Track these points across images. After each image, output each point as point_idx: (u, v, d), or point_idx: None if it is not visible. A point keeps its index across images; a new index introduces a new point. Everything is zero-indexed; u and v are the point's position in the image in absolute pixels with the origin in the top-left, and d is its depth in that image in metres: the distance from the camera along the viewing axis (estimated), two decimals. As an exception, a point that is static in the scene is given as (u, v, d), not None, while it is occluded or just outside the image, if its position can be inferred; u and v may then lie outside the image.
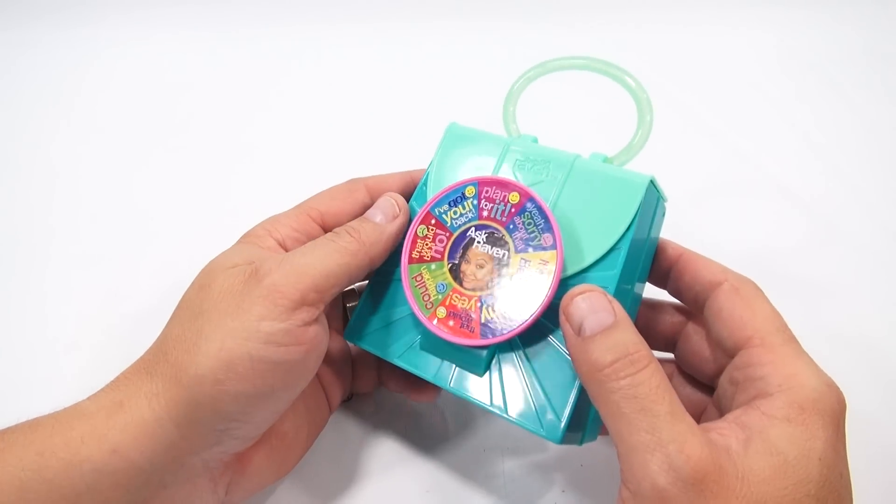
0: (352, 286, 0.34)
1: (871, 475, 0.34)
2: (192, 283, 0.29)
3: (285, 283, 0.26)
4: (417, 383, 0.34)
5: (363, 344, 0.31)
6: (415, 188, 0.35)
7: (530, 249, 0.28)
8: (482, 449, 0.36)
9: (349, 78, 0.66)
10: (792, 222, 0.50)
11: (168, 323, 0.28)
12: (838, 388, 0.25)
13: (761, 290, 0.29)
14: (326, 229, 0.33)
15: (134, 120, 0.60)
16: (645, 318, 0.33)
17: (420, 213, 0.31)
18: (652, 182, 0.29)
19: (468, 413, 0.37)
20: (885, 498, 0.34)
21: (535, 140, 0.33)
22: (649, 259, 0.31)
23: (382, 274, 0.32)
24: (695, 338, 0.31)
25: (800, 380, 0.25)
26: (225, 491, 0.29)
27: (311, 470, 0.35)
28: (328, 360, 0.34)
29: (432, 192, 0.32)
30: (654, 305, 0.34)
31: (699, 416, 0.31)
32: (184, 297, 0.29)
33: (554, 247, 0.28)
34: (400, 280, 0.30)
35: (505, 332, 0.27)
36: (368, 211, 0.31)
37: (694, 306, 0.31)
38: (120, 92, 0.64)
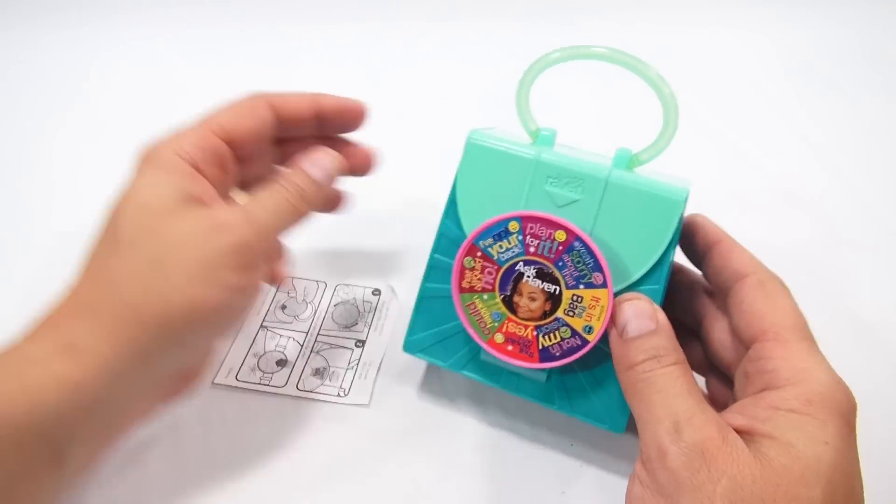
0: None
1: (876, 476, 0.34)
2: (124, 214, 0.28)
3: (255, 242, 0.29)
4: None
5: (426, 356, 0.35)
6: (321, 112, 0.36)
7: (581, 286, 0.29)
8: (482, 449, 0.36)
9: (349, 78, 0.66)
10: (791, 222, 0.50)
11: (102, 255, 0.28)
12: (848, 387, 0.25)
13: (787, 288, 0.29)
14: (232, 146, 0.33)
15: (135, 120, 0.60)
16: (678, 298, 0.34)
17: (464, 245, 0.31)
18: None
19: (468, 413, 0.37)
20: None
21: (555, 133, 0.32)
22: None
23: (429, 291, 0.34)
24: (719, 324, 0.32)
25: (808, 375, 0.25)
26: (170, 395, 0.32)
27: (308, 471, 0.35)
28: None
29: (463, 211, 0.33)
30: (690, 286, 0.34)
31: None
32: (121, 231, 0.28)
33: (604, 285, 0.29)
34: (449, 297, 0.32)
35: (563, 358, 0.30)
36: (309, 167, 0.32)
37: (720, 293, 0.32)
38: (121, 92, 0.64)
